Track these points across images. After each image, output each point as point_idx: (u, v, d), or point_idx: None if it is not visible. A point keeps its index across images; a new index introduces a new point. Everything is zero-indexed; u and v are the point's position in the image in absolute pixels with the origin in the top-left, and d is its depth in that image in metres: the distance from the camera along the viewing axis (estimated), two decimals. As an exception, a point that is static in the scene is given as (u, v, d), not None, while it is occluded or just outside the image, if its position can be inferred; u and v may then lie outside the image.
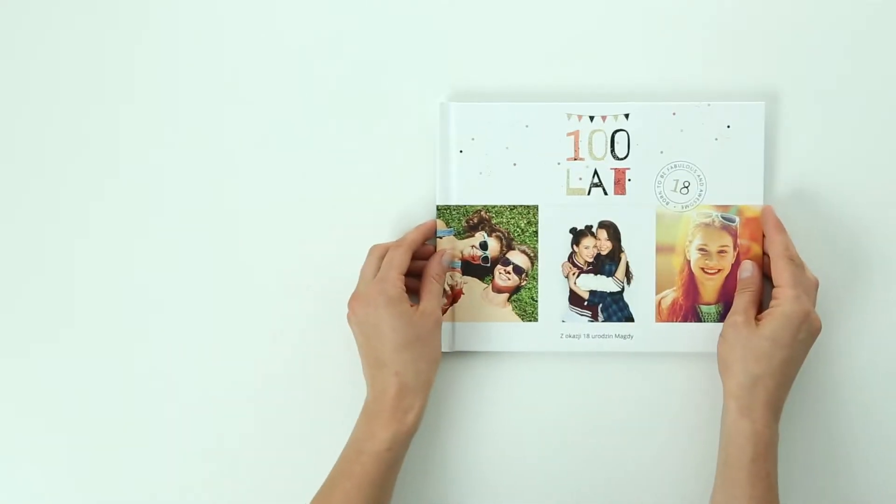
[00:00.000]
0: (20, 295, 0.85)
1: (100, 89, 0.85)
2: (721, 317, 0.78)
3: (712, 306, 0.79)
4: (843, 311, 0.83)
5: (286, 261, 0.84)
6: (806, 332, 0.74)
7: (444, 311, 0.80)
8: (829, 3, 0.83)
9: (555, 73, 0.82)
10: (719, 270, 0.79)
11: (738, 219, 0.79)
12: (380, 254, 0.79)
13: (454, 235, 0.80)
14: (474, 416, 0.83)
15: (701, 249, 0.79)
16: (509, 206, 0.79)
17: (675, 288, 0.79)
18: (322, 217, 0.84)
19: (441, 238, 0.80)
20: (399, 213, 0.83)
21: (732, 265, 0.79)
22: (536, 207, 0.79)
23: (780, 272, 0.76)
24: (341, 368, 0.83)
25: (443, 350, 0.79)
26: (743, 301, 0.77)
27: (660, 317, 0.79)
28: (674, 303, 0.79)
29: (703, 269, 0.79)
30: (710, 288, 0.79)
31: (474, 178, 0.80)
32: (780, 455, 0.75)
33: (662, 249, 0.79)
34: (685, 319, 0.79)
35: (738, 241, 0.79)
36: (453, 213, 0.80)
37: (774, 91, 0.82)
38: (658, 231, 0.79)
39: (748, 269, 0.78)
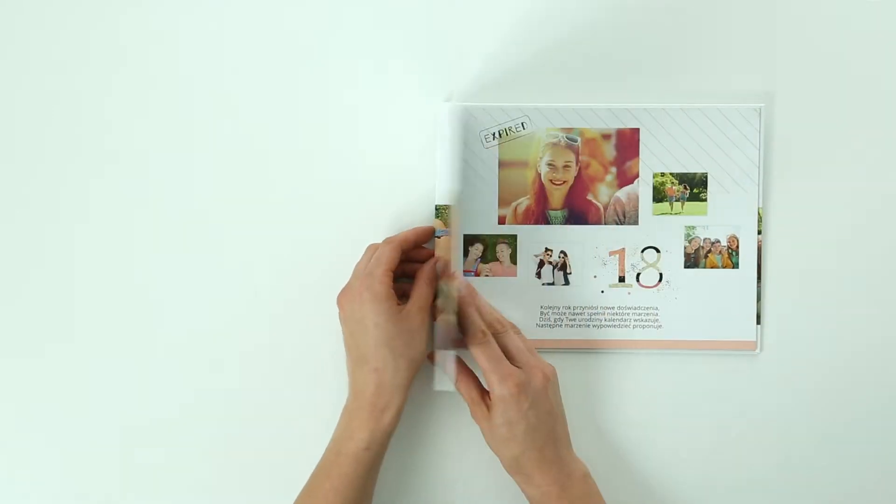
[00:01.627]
0: (18, 294, 0.87)
1: (100, 88, 0.86)
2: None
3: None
4: (838, 311, 0.89)
5: (284, 261, 0.87)
6: (529, 398, 0.80)
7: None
8: (826, 4, 0.89)
9: (552, 77, 0.91)
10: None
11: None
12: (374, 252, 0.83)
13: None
14: (454, 416, 0.90)
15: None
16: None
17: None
18: (321, 217, 0.88)
19: (439, 238, 0.89)
20: (398, 212, 0.89)
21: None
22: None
23: (476, 359, 0.82)
24: (338, 369, 0.86)
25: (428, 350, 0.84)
26: (465, 394, 0.84)
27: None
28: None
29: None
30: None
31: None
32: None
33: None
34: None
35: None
36: (451, 213, 0.90)
37: (772, 92, 0.89)
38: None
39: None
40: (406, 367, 0.79)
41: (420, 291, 0.82)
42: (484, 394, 0.84)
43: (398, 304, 0.80)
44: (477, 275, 0.93)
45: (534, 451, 0.81)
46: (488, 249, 0.93)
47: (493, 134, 0.93)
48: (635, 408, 0.92)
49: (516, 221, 0.94)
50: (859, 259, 0.88)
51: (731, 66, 0.89)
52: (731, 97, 0.90)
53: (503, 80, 0.91)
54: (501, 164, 0.93)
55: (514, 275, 0.93)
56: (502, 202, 0.93)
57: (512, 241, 0.93)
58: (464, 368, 0.86)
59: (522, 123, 0.93)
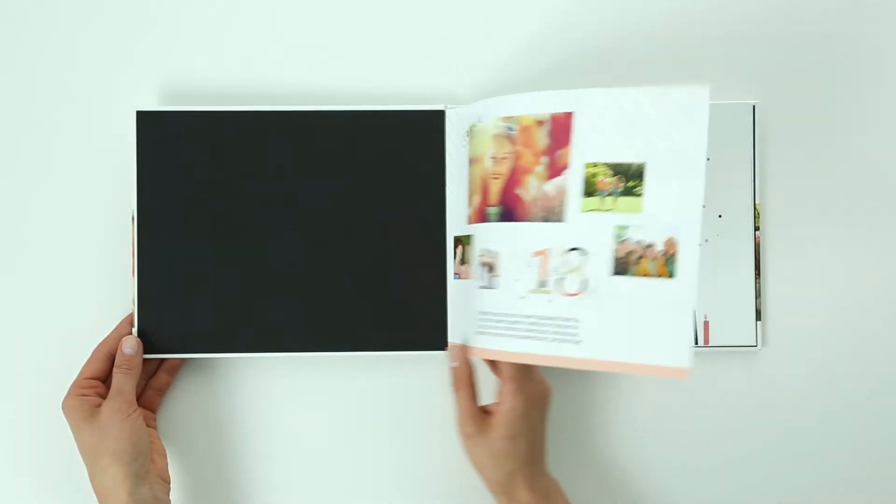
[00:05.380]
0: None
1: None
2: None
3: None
4: (837, 306, 0.88)
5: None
6: (537, 411, 0.80)
7: None
8: (820, 4, 0.89)
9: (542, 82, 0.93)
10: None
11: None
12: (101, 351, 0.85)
13: None
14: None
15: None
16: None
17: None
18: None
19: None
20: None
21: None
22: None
23: (500, 365, 0.81)
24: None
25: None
26: (462, 404, 0.81)
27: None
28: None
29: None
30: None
31: None
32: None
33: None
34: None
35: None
36: None
37: (766, 92, 0.88)
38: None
39: (455, 359, 0.83)
40: (110, 463, 0.79)
41: (113, 383, 0.83)
42: (481, 409, 0.82)
43: (96, 406, 0.81)
44: (459, 277, 0.89)
45: (528, 468, 0.79)
46: (464, 251, 0.90)
47: (467, 132, 0.90)
48: (634, 405, 0.91)
49: (474, 220, 0.89)
50: (857, 254, 0.88)
51: (723, 65, 0.90)
52: (722, 97, 0.88)
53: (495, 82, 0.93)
54: (470, 162, 0.90)
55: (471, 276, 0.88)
56: (470, 201, 0.89)
57: (469, 241, 0.88)
58: (465, 356, 0.84)
59: (479, 117, 0.88)
